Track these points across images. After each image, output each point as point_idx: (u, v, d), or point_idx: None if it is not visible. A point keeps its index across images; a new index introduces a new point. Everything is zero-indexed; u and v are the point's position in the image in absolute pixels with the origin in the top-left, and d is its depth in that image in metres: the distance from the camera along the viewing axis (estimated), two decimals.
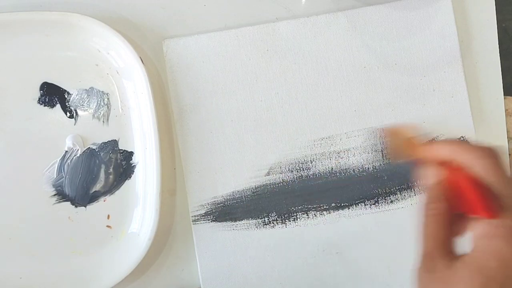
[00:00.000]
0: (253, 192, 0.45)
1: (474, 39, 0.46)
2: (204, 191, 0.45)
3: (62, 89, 0.45)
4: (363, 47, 0.45)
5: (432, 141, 0.33)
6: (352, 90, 0.45)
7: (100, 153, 0.45)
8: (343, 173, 0.45)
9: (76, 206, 0.45)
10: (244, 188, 0.45)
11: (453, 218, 0.29)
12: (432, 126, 0.46)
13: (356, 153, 0.45)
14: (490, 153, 0.29)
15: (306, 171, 0.45)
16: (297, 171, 0.45)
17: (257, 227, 0.45)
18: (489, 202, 0.27)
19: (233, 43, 0.45)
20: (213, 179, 0.45)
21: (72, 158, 0.45)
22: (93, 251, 0.45)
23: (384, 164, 0.45)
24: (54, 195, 0.45)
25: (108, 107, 0.45)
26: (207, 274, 0.45)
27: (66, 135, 0.45)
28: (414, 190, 0.46)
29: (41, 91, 0.45)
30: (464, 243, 0.29)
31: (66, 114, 0.45)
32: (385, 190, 0.45)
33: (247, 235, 0.45)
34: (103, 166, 0.45)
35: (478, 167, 0.29)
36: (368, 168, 0.45)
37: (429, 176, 0.31)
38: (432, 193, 0.30)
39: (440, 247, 0.28)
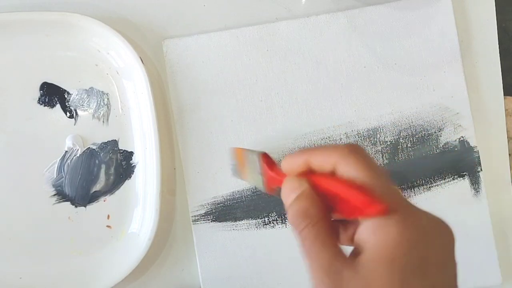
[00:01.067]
0: (253, 192, 0.45)
1: (474, 39, 0.46)
2: (204, 191, 0.45)
3: (62, 89, 0.45)
4: (363, 47, 0.45)
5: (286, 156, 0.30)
6: (352, 90, 0.45)
7: (100, 153, 0.45)
8: None
9: (76, 206, 0.45)
10: (244, 188, 0.45)
11: (331, 227, 0.27)
12: (432, 126, 0.46)
13: None
14: (350, 150, 0.27)
15: None
16: None
17: (257, 227, 0.45)
18: (370, 198, 0.25)
19: (233, 43, 0.45)
20: (213, 179, 0.45)
21: (72, 158, 0.45)
22: (93, 251, 0.45)
23: (384, 164, 0.45)
24: (54, 195, 0.45)
25: (108, 107, 0.45)
26: (207, 274, 0.45)
27: (66, 135, 0.45)
28: (414, 190, 0.46)
29: (41, 91, 0.45)
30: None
31: (66, 114, 0.45)
32: None
33: (247, 235, 0.45)
34: (103, 166, 0.45)
35: (343, 167, 0.27)
36: None
37: (289, 190, 0.28)
38: (299, 206, 0.27)
39: (338, 254, 0.26)
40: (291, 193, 0.28)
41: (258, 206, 0.45)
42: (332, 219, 0.28)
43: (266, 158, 0.33)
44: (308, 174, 0.29)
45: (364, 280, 0.25)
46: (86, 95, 0.45)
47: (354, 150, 0.27)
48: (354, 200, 0.26)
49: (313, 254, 0.26)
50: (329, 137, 0.45)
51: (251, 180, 0.35)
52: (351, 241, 0.28)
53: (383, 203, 0.25)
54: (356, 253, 0.26)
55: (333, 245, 0.26)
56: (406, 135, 0.46)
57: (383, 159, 0.45)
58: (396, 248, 0.25)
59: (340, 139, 0.45)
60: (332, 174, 0.28)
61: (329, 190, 0.27)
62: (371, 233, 0.25)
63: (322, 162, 0.28)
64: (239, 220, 0.45)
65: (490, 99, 0.47)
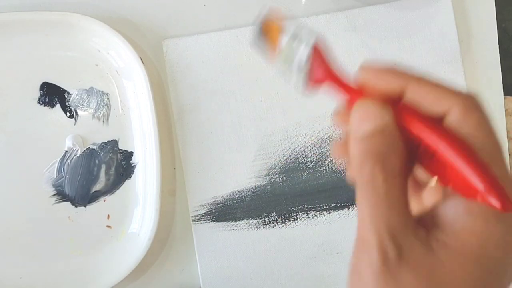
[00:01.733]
0: (253, 192, 0.45)
1: (474, 39, 0.46)
2: (204, 191, 0.45)
3: (62, 89, 0.45)
4: (363, 47, 0.45)
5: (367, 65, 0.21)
6: None
7: (100, 153, 0.45)
8: (343, 173, 0.45)
9: (76, 206, 0.45)
10: (244, 188, 0.45)
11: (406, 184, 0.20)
12: None
13: None
14: (476, 101, 0.20)
15: (306, 171, 0.45)
16: (297, 171, 0.45)
17: (257, 227, 0.45)
18: (496, 183, 0.19)
19: (233, 43, 0.45)
20: (213, 179, 0.45)
21: (72, 158, 0.45)
22: (93, 251, 0.45)
23: None
24: (54, 195, 0.45)
25: (108, 107, 0.45)
26: (207, 274, 0.45)
27: (66, 135, 0.45)
28: None
29: (41, 91, 0.45)
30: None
31: (66, 114, 0.45)
32: None
33: (247, 235, 0.45)
34: (103, 166, 0.45)
35: (465, 118, 0.20)
36: None
37: (364, 116, 0.21)
38: (374, 146, 0.20)
39: (410, 224, 0.20)
40: (366, 121, 0.20)
41: (258, 206, 0.45)
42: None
43: (319, 52, 0.23)
44: (398, 105, 0.21)
45: (443, 269, 0.19)
46: (86, 95, 0.45)
47: (480, 104, 0.20)
48: (471, 176, 0.19)
49: (377, 213, 0.19)
50: (329, 137, 0.45)
51: (283, 67, 0.24)
52: (421, 203, 0.22)
53: (509, 197, 0.19)
54: (428, 226, 0.20)
55: (405, 208, 0.20)
56: None
57: None
58: (501, 251, 0.19)
59: (340, 139, 0.45)
60: (437, 122, 0.20)
61: (428, 144, 0.20)
62: (471, 218, 0.19)
63: (430, 98, 0.20)
64: (239, 220, 0.45)
65: (490, 99, 0.47)
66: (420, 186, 0.23)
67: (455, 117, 0.20)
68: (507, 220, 0.19)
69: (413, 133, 0.20)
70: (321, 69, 0.23)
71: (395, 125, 0.20)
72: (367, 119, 0.21)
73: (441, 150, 0.19)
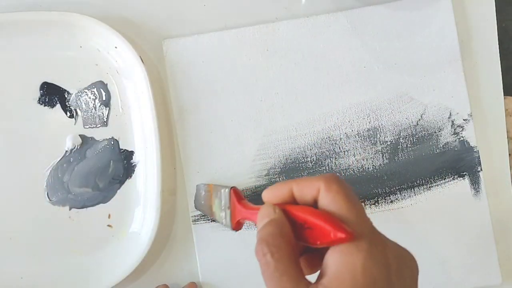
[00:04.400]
0: (253, 192, 0.45)
1: (474, 39, 0.46)
2: None
3: (62, 89, 0.45)
4: (363, 47, 0.45)
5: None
6: (352, 90, 0.45)
7: (100, 153, 0.45)
8: (343, 173, 0.45)
9: (77, 206, 0.45)
10: (244, 188, 0.45)
11: (297, 254, 0.28)
12: (432, 126, 0.46)
13: (356, 153, 0.45)
14: (329, 181, 0.28)
15: (306, 170, 0.45)
16: (297, 171, 0.45)
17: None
18: (340, 225, 0.26)
19: (233, 43, 0.45)
20: (213, 179, 0.45)
21: (72, 158, 0.45)
22: (94, 251, 0.45)
23: (384, 164, 0.46)
24: (55, 195, 0.45)
25: (108, 107, 0.45)
26: (207, 273, 0.45)
27: (66, 135, 0.45)
28: (414, 190, 0.46)
29: (41, 91, 0.45)
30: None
31: (66, 114, 0.45)
32: (385, 190, 0.45)
33: (247, 235, 0.45)
34: (103, 166, 0.45)
35: (323, 198, 0.28)
36: (368, 168, 0.45)
37: (262, 216, 0.29)
38: (266, 232, 0.28)
39: (299, 283, 0.26)
40: (263, 219, 0.29)
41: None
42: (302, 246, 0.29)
43: (236, 192, 0.36)
44: (284, 204, 0.29)
45: None
46: (86, 95, 0.45)
47: (334, 181, 0.28)
48: (323, 226, 0.27)
49: (274, 283, 0.26)
50: (329, 137, 0.45)
51: (217, 215, 0.38)
52: (317, 268, 0.29)
53: (349, 229, 0.26)
54: (320, 278, 0.27)
55: (295, 273, 0.26)
56: (406, 135, 0.46)
57: (383, 159, 0.45)
58: (360, 275, 0.25)
59: (340, 139, 0.45)
60: (311, 206, 0.28)
61: (299, 217, 0.28)
62: (338, 258, 0.26)
63: (306, 189, 0.29)
64: None
65: (490, 99, 0.47)
66: (313, 259, 0.30)
67: (321, 193, 0.28)
68: (363, 249, 0.26)
69: (292, 214, 0.28)
70: (238, 204, 0.35)
71: (283, 217, 0.28)
72: (263, 216, 0.29)
73: (304, 217, 0.28)
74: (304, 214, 0.28)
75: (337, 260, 0.26)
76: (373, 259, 0.26)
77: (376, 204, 0.45)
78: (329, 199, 0.28)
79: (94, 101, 0.45)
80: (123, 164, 0.45)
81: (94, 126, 0.45)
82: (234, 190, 0.36)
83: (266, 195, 0.30)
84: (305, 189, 0.29)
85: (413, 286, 0.28)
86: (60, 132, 0.45)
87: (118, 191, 0.45)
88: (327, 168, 0.45)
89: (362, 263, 0.25)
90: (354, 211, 0.27)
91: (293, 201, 0.30)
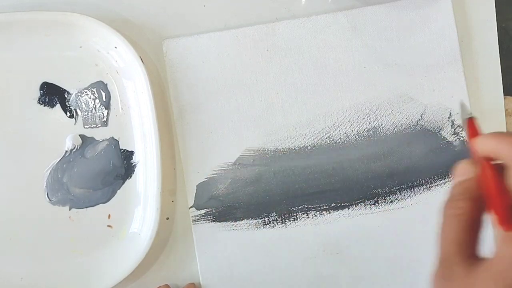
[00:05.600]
0: (253, 192, 0.45)
1: (474, 39, 0.46)
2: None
3: (62, 89, 0.45)
4: (363, 47, 0.45)
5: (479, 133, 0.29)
6: (352, 90, 0.45)
7: (100, 153, 0.45)
8: (343, 173, 0.45)
9: (77, 206, 0.45)
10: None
11: (480, 220, 0.27)
12: (432, 126, 0.46)
13: (356, 153, 0.45)
14: None
15: (306, 170, 0.45)
16: (297, 171, 0.45)
17: (257, 227, 0.45)
18: (508, 212, 0.25)
19: (233, 43, 0.45)
20: (213, 179, 0.45)
21: (72, 158, 0.45)
22: (94, 251, 0.45)
23: (384, 164, 0.46)
24: (55, 195, 0.45)
25: (108, 107, 0.45)
26: (207, 274, 0.45)
27: (66, 135, 0.45)
28: (414, 190, 0.46)
29: (41, 91, 0.45)
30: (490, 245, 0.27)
31: (66, 114, 0.45)
32: (385, 190, 0.45)
33: (247, 235, 0.45)
34: (103, 166, 0.45)
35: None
36: (368, 168, 0.45)
37: (459, 172, 0.28)
38: (456, 190, 0.27)
39: (461, 252, 0.26)
40: (457, 176, 0.28)
41: (258, 206, 0.45)
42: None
43: (472, 124, 0.31)
44: (490, 163, 0.27)
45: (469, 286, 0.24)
46: (86, 95, 0.45)
47: None
48: (495, 209, 0.25)
49: (442, 243, 0.26)
50: (329, 137, 0.45)
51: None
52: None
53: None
54: (490, 264, 0.25)
55: (462, 241, 0.26)
56: (406, 135, 0.46)
57: (383, 159, 0.45)
58: None
59: (340, 139, 0.45)
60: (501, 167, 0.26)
61: (487, 188, 0.26)
62: (502, 244, 0.24)
63: (508, 156, 0.26)
64: (239, 220, 0.45)
65: (490, 99, 0.47)
66: None
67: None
68: None
69: (486, 181, 0.27)
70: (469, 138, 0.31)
71: (476, 179, 0.27)
72: (459, 173, 0.28)
73: (489, 191, 0.26)
74: (490, 185, 0.26)
75: (501, 246, 0.24)
76: None
77: (376, 204, 0.45)
78: None
79: (94, 101, 0.45)
80: (123, 164, 0.45)
81: (94, 126, 0.45)
82: (470, 121, 0.31)
83: (475, 143, 0.28)
84: (503, 152, 0.26)
85: None
86: (60, 132, 0.45)
87: (118, 191, 0.45)
88: (327, 167, 0.45)
89: None
90: None
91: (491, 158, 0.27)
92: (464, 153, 0.45)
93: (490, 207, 0.26)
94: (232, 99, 0.45)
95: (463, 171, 0.28)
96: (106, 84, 0.45)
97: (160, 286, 0.45)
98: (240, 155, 0.45)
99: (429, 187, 0.46)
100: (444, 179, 0.46)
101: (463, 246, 0.26)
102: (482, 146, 0.27)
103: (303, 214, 0.45)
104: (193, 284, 0.45)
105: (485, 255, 0.26)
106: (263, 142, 0.45)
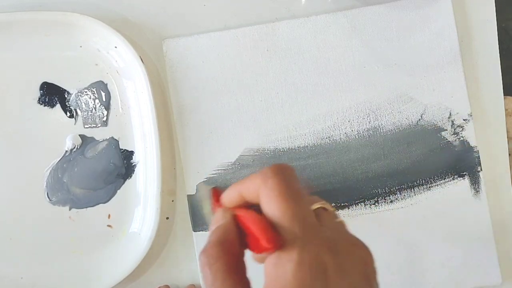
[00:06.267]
0: None
1: (474, 39, 0.46)
2: None
3: (62, 89, 0.45)
4: (363, 47, 0.45)
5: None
6: (352, 90, 0.45)
7: (100, 153, 0.45)
8: (343, 173, 0.45)
9: (77, 206, 0.45)
10: None
11: (240, 257, 0.27)
12: (432, 126, 0.46)
13: (356, 153, 0.45)
14: (267, 178, 0.26)
15: (306, 170, 0.45)
16: (297, 171, 0.45)
17: None
18: (267, 234, 0.25)
19: (233, 43, 0.45)
20: (213, 179, 0.45)
21: (72, 158, 0.45)
22: (94, 251, 0.45)
23: (384, 164, 0.46)
24: (55, 195, 0.45)
25: (108, 107, 0.45)
26: None
27: (66, 135, 0.45)
28: (414, 190, 0.46)
29: (41, 91, 0.45)
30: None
31: (66, 114, 0.45)
32: (385, 190, 0.45)
33: None
34: (103, 166, 0.45)
35: (262, 200, 0.26)
36: (368, 168, 0.45)
37: (213, 222, 0.29)
38: (211, 238, 0.27)
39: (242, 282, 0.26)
40: (212, 225, 0.28)
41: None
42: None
43: (216, 193, 0.34)
44: (239, 207, 0.28)
45: None
46: (86, 95, 0.45)
47: (271, 175, 0.26)
48: (254, 233, 0.25)
49: (213, 280, 0.25)
50: (329, 137, 0.45)
51: (206, 218, 0.37)
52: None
53: (276, 238, 0.24)
54: None
55: (238, 272, 0.26)
56: (406, 135, 0.46)
57: (383, 159, 0.45)
58: (290, 284, 0.24)
59: (340, 139, 0.45)
60: (249, 205, 0.28)
61: (242, 222, 0.27)
62: (272, 268, 0.25)
63: (250, 192, 0.27)
64: None
65: (490, 99, 0.47)
66: None
67: (259, 192, 0.27)
68: (293, 258, 0.24)
69: (240, 222, 0.27)
70: (216, 205, 0.32)
71: (229, 224, 0.27)
72: (213, 222, 0.29)
73: (247, 225, 0.27)
74: (245, 220, 0.27)
75: (269, 272, 0.25)
76: (304, 267, 0.24)
77: (376, 204, 0.45)
78: (264, 200, 0.26)
79: (94, 101, 0.45)
80: (123, 164, 0.45)
81: (94, 126, 0.45)
82: (214, 190, 0.35)
83: (223, 200, 0.29)
84: (250, 189, 0.27)
85: (362, 280, 0.26)
86: (60, 132, 0.45)
87: (118, 191, 0.45)
88: (327, 167, 0.45)
89: (293, 274, 0.24)
90: (289, 213, 0.25)
91: (247, 203, 0.28)
92: (464, 153, 0.46)
93: (249, 243, 0.26)
94: (232, 99, 0.45)
95: (218, 218, 0.28)
96: (106, 84, 0.45)
97: (160, 287, 0.45)
98: (240, 155, 0.45)
99: (429, 187, 0.46)
100: (444, 179, 0.46)
101: (242, 277, 0.26)
102: (228, 200, 0.29)
103: None
104: (193, 286, 0.45)
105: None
106: (263, 142, 0.45)
